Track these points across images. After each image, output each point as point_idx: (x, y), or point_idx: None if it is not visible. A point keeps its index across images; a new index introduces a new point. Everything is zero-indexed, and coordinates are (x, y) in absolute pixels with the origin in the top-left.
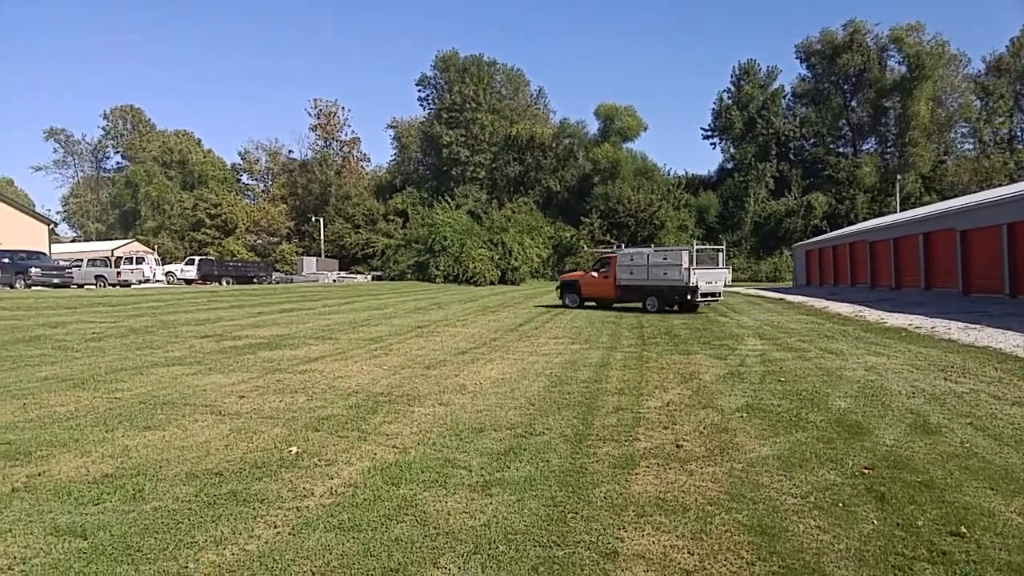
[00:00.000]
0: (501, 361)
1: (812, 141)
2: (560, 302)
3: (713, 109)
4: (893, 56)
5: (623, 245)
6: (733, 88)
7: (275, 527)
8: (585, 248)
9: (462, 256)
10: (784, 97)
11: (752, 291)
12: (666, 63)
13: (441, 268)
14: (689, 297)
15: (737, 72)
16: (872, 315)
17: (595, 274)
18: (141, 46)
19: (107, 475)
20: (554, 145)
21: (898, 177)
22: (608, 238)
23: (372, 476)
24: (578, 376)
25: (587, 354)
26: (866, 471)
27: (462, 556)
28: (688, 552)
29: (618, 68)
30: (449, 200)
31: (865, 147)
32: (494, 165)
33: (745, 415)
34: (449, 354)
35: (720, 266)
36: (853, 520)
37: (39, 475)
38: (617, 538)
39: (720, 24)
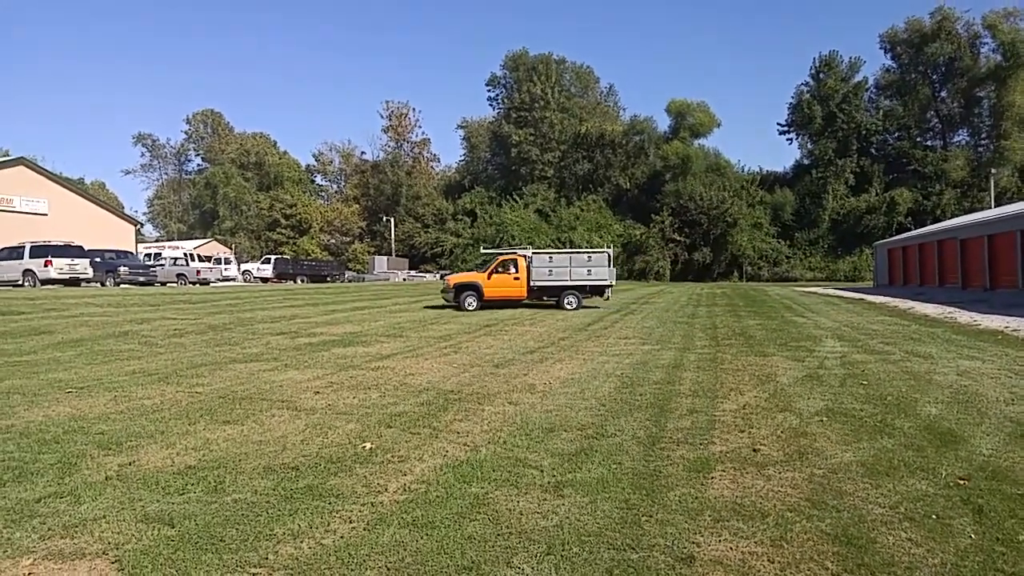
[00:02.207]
0: (570, 361)
1: (896, 135)
2: (451, 303)
3: (790, 103)
4: (987, 44)
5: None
6: (812, 81)
7: (350, 522)
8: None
9: None
10: (867, 90)
11: (830, 291)
12: (740, 57)
13: None
14: (603, 293)
15: (817, 64)
16: (963, 317)
17: (498, 275)
18: (220, 51)
19: (190, 467)
20: (624, 142)
21: (992, 171)
22: (678, 236)
23: (444, 473)
24: (650, 377)
25: (659, 355)
26: (961, 482)
27: (535, 556)
28: (768, 560)
29: (690, 63)
30: (517, 199)
31: (956, 140)
32: (563, 163)
33: (825, 419)
34: (518, 353)
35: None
36: (948, 533)
37: (129, 464)
38: (693, 543)
39: (797, 16)
